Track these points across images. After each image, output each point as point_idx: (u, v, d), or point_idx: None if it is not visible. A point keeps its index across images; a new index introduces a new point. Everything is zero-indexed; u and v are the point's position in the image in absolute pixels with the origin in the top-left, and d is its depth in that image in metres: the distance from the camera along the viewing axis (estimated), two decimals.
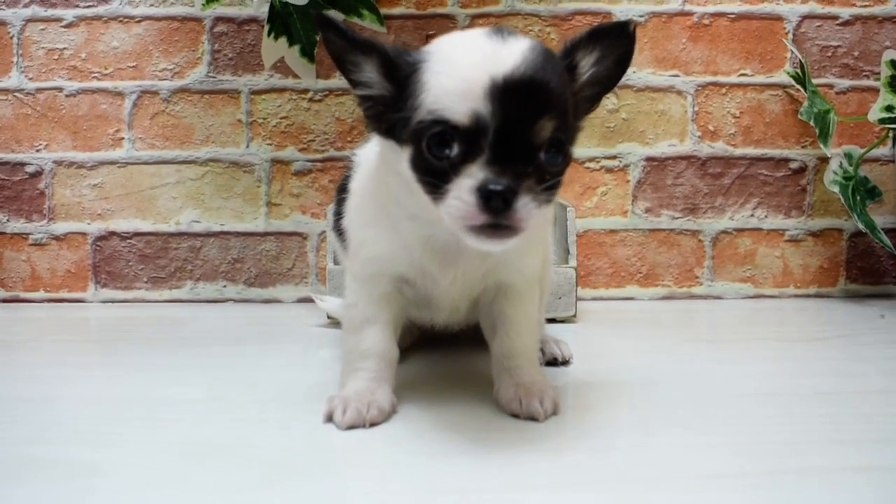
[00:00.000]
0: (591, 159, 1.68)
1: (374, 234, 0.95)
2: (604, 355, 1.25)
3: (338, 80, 1.63)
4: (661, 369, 1.16)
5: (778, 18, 1.67)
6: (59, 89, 1.65)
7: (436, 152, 0.79)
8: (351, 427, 0.87)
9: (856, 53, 1.68)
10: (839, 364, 1.19)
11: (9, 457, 0.81)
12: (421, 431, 0.87)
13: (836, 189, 1.59)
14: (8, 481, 0.75)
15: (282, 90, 1.66)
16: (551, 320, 1.41)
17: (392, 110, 0.84)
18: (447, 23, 1.65)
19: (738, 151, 1.69)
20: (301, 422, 0.90)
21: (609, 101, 1.66)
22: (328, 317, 1.44)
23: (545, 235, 1.10)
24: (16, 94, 1.65)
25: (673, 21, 1.67)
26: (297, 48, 1.51)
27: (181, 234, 1.67)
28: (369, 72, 0.86)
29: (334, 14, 1.43)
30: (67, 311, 1.62)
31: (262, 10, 1.54)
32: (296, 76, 1.58)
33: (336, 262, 1.42)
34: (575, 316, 1.46)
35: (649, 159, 1.68)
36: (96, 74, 1.65)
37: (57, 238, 1.67)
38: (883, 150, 1.67)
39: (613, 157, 1.68)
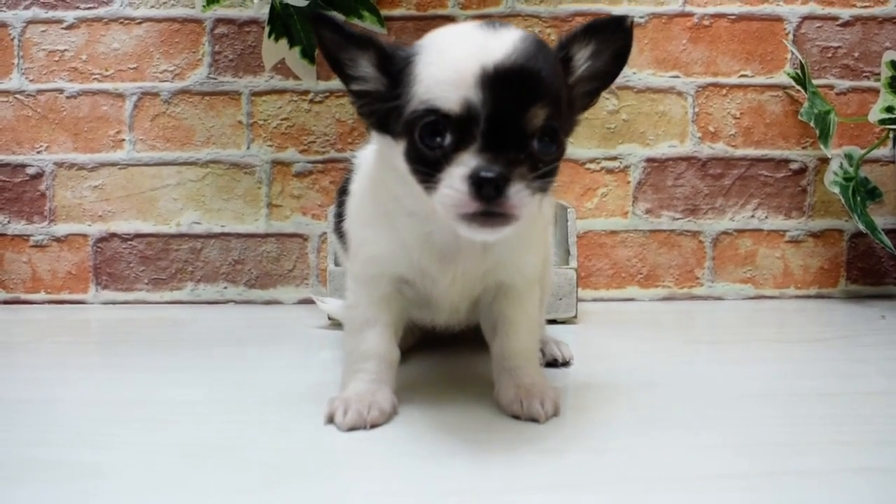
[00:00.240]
0: (592, 160, 1.68)
1: (373, 234, 0.95)
2: (604, 356, 1.25)
3: (338, 82, 1.62)
4: (662, 370, 1.16)
5: (778, 19, 1.67)
6: (60, 91, 1.66)
7: (428, 142, 0.79)
8: (352, 428, 0.87)
9: (856, 54, 1.68)
10: (840, 365, 1.19)
11: (10, 458, 0.81)
12: (422, 433, 0.87)
13: (836, 190, 1.59)
14: (9, 483, 0.75)
15: (282, 92, 1.66)
16: (552, 321, 1.41)
17: (387, 104, 0.84)
18: (448, 24, 1.65)
19: (739, 152, 1.69)
20: (302, 423, 0.90)
21: (609, 102, 1.66)
22: (329, 318, 1.44)
23: (545, 236, 1.10)
24: (16, 95, 1.66)
25: (673, 22, 1.67)
26: (297, 50, 1.51)
27: (182, 236, 1.67)
28: (365, 67, 0.87)
29: (335, 15, 1.43)
30: (68, 312, 1.62)
31: (263, 12, 1.55)
32: (296, 78, 1.59)
33: (337, 264, 1.42)
34: (575, 317, 1.46)
35: (650, 160, 1.68)
36: (97, 76, 1.65)
37: (58, 240, 1.67)
38: (883, 151, 1.67)
39: (614, 158, 1.68)
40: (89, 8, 1.65)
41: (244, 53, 1.65)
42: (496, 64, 0.77)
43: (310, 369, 1.20)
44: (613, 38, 0.87)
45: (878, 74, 1.60)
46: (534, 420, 0.90)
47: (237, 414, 0.96)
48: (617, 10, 1.66)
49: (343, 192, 1.09)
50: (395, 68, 0.84)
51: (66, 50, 1.65)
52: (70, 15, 1.65)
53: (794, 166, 1.70)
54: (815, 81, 1.62)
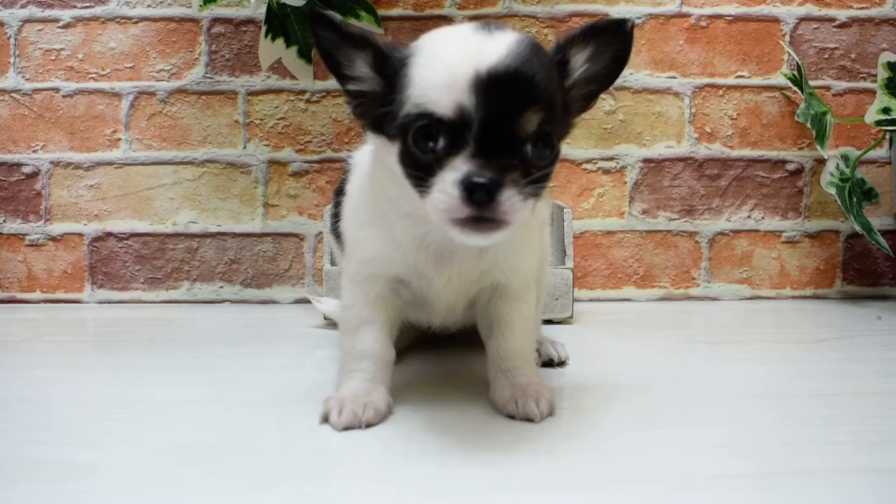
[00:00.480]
0: (588, 161, 1.68)
1: (368, 235, 0.95)
2: (600, 356, 1.25)
3: (335, 82, 1.62)
4: (658, 371, 1.16)
5: (775, 20, 1.68)
6: (56, 90, 1.65)
7: (421, 146, 0.79)
8: (347, 428, 0.87)
9: (853, 55, 1.69)
10: (836, 365, 1.19)
11: (4, 457, 0.81)
12: (417, 432, 0.87)
13: (832, 191, 1.59)
14: (3, 482, 0.75)
15: (279, 91, 1.66)
16: (548, 321, 1.41)
17: (382, 105, 0.84)
18: (444, 24, 1.64)
19: (735, 153, 1.69)
20: (297, 423, 0.90)
21: (606, 102, 1.67)
22: (325, 318, 1.44)
23: (542, 236, 1.10)
24: (13, 94, 1.65)
25: (670, 23, 1.67)
26: (294, 49, 1.51)
27: (178, 235, 1.67)
28: (361, 67, 0.86)
29: (332, 15, 1.43)
30: (64, 311, 1.61)
31: (260, 12, 1.54)
32: (293, 77, 1.58)
33: (333, 263, 1.42)
34: (571, 317, 1.46)
35: (646, 161, 1.68)
36: (93, 75, 1.65)
37: (53, 239, 1.67)
38: (879, 152, 1.68)
39: (610, 159, 1.68)
40: (86, 7, 1.64)
41: (241, 53, 1.65)
42: (490, 68, 0.76)
43: (305, 369, 1.20)
44: (613, 40, 0.86)
45: (875, 76, 1.60)
46: (529, 420, 0.90)
47: (232, 413, 0.95)
48: (614, 10, 1.66)
49: (340, 192, 1.09)
50: (391, 69, 0.84)
51: (62, 49, 1.65)
52: (66, 14, 1.64)
53: (790, 167, 1.70)
54: (811, 82, 1.63)
